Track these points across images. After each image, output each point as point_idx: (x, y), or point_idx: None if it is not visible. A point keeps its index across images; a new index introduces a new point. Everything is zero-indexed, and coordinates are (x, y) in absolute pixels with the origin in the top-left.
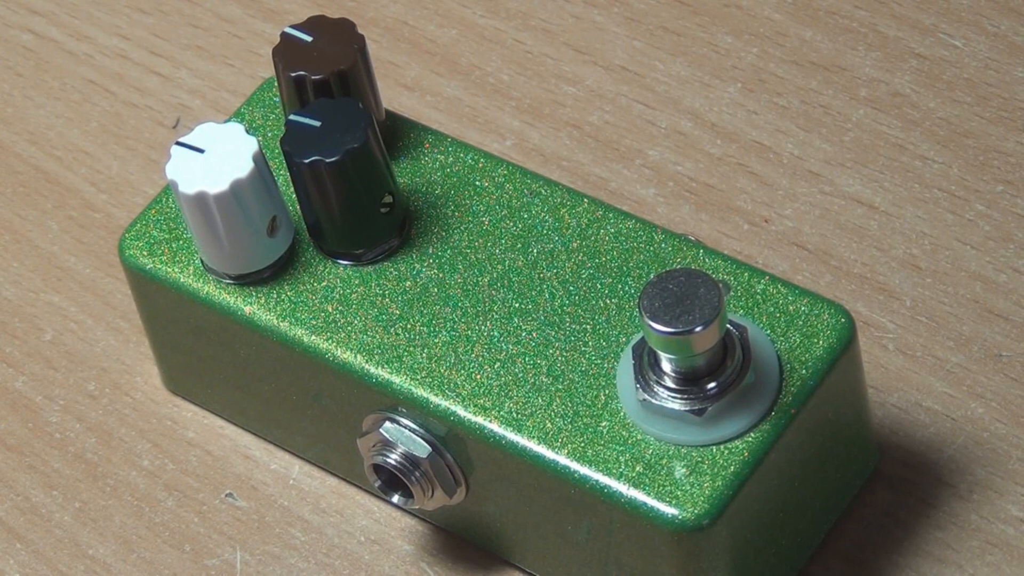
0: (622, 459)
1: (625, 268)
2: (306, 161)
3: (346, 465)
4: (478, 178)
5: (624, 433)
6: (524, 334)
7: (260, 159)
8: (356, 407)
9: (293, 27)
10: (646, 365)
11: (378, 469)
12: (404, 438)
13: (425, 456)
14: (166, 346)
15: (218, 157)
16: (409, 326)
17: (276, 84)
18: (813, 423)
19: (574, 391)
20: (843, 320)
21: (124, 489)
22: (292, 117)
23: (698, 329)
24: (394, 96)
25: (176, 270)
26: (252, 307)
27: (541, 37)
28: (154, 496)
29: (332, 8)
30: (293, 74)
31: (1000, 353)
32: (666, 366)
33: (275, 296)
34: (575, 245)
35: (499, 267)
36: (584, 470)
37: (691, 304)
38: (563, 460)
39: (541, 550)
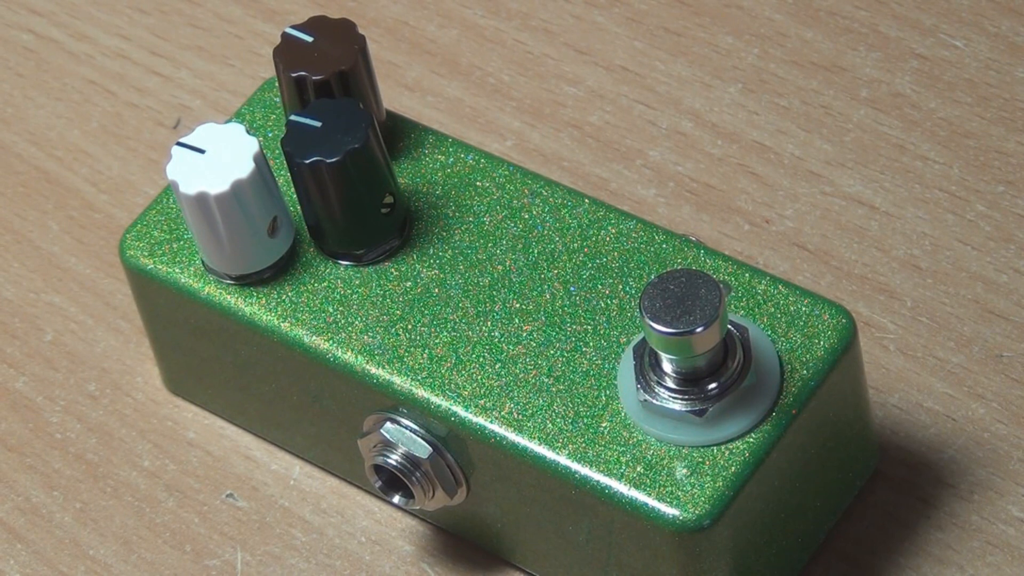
0: (623, 460)
1: (626, 269)
2: (307, 161)
3: (347, 466)
4: (479, 178)
5: (625, 434)
6: (525, 335)
7: (261, 159)
8: (357, 408)
9: (294, 27)
10: (647, 366)
11: (379, 470)
12: (405, 439)
13: (426, 457)
14: (167, 347)
15: (219, 157)
16: (410, 326)
17: (277, 84)
18: (814, 424)
19: (575, 392)
20: (844, 321)
21: (125, 490)
22: (293, 117)
23: (699, 330)
24: (395, 96)
25: (177, 270)
26: (253, 307)
27: (542, 37)
28: (155, 496)
29: (333, 8)
30: (294, 74)
31: (1001, 353)
32: (667, 367)
33: (276, 297)
34: (576, 245)
35: (500, 267)
36: (585, 471)
37: (692, 305)
38: (564, 461)
39: (542, 551)
